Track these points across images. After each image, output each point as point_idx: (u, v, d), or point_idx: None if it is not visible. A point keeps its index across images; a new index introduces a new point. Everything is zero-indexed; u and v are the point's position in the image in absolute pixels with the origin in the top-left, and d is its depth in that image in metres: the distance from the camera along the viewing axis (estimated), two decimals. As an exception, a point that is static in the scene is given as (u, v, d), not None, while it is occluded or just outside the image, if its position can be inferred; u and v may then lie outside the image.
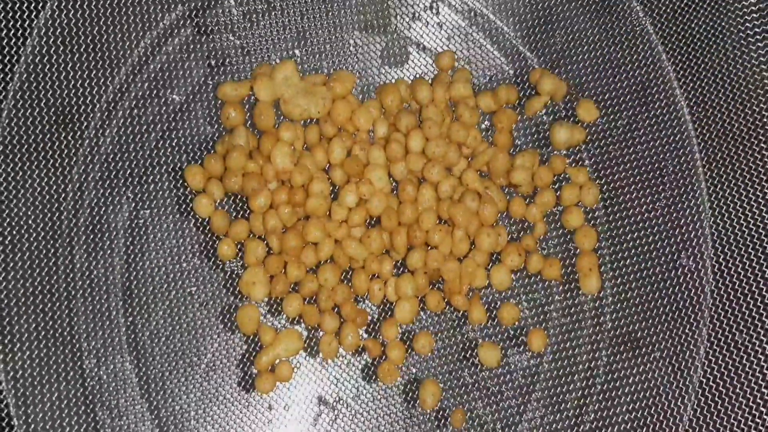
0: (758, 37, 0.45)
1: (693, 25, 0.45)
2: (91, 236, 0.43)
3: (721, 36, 0.45)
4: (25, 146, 0.41)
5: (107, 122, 0.43)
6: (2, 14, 0.42)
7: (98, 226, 0.43)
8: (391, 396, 0.43)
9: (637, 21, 0.46)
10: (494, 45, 0.47)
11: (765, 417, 0.41)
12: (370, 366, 0.43)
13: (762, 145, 0.44)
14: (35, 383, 0.41)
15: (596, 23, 0.46)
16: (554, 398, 0.43)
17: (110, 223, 0.43)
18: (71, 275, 0.42)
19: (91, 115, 0.43)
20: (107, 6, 0.43)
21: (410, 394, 0.43)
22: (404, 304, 0.43)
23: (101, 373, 0.42)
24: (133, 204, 0.43)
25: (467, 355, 0.44)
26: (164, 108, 0.44)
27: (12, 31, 0.42)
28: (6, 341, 0.40)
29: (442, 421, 0.43)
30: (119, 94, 0.44)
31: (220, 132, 0.45)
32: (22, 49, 0.42)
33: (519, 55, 0.47)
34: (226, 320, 0.43)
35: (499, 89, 0.45)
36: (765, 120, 0.44)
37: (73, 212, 0.42)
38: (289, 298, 0.43)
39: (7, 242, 0.41)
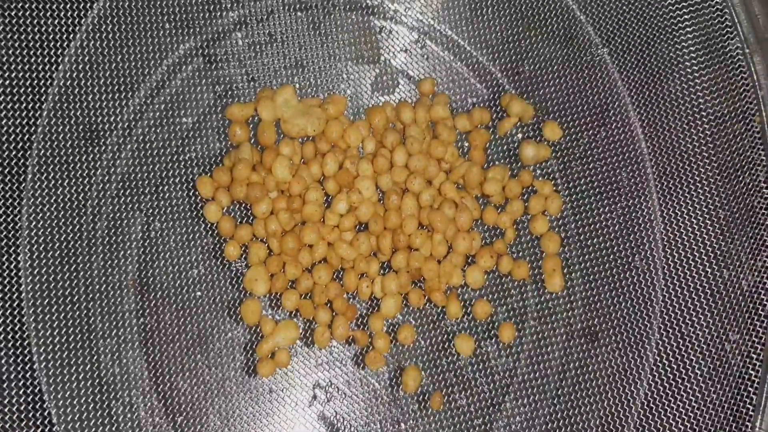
0: (700, 66, 0.48)
1: (645, 56, 0.48)
2: (109, 240, 0.45)
3: (669, 65, 0.48)
4: (56, 159, 0.44)
5: (126, 139, 0.46)
6: (39, 45, 0.44)
7: (116, 231, 0.45)
8: (377, 380, 0.45)
9: (596, 52, 0.49)
10: (471, 73, 0.49)
11: (707, 397, 0.44)
12: (359, 354, 0.45)
13: (705, 160, 0.47)
14: (61, 380, 0.43)
15: (560, 54, 0.49)
16: (521, 384, 0.45)
17: (127, 227, 0.45)
18: (90, 277, 0.44)
19: (113, 133, 0.45)
20: (128, 38, 0.46)
21: (394, 379, 0.45)
22: (389, 300, 0.45)
23: (116, 368, 0.43)
24: (149, 211, 0.45)
25: (445, 346, 0.46)
26: (177, 128, 0.46)
27: (47, 59, 0.44)
28: (36, 341, 0.42)
29: (423, 403, 0.45)
30: (137, 115, 0.46)
31: (228, 147, 0.46)
32: (55, 74, 0.45)
33: (493, 81, 0.49)
34: (231, 313, 0.45)
35: (474, 111, 0.47)
36: (708, 138, 0.47)
37: (92, 218, 0.44)
38: (288, 294, 0.44)
39: (35, 247, 0.43)
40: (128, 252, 0.45)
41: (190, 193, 0.46)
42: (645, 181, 0.48)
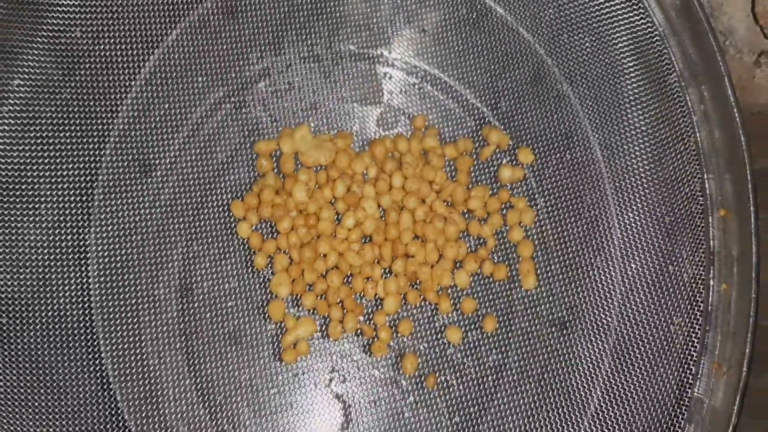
0: (646, 97, 0.50)
1: (601, 91, 0.51)
2: (158, 255, 0.47)
3: (621, 97, 0.51)
4: (117, 188, 0.47)
5: (172, 171, 0.48)
6: (103, 95, 0.47)
7: (163, 247, 0.47)
8: (382, 365, 0.47)
9: (561, 88, 0.51)
10: (459, 108, 0.51)
11: (656, 369, 0.47)
12: (366, 344, 0.47)
13: (652, 176, 0.50)
14: (123, 372, 0.46)
15: (531, 90, 0.51)
16: (502, 366, 0.48)
17: (172, 243, 0.47)
18: (142, 286, 0.47)
19: (161, 166, 0.48)
20: (172, 88, 0.48)
21: (396, 364, 0.47)
22: (390, 299, 0.47)
23: (159, 369, 0.46)
24: (191, 229, 0.48)
25: (438, 336, 0.48)
26: (213, 161, 0.49)
27: (110, 107, 0.48)
28: (104, 340, 0.46)
29: (420, 383, 0.47)
30: (181, 151, 0.48)
31: (256, 176, 0.49)
32: (115, 119, 0.48)
33: (478, 114, 0.51)
34: (260, 311, 0.47)
35: (459, 141, 0.50)
36: (653, 157, 0.50)
37: (144, 236, 0.47)
38: (306, 295, 0.47)
39: (101, 261, 0.46)
40: (173, 264, 0.47)
41: (225, 215, 0.48)
42: (604, 195, 0.50)
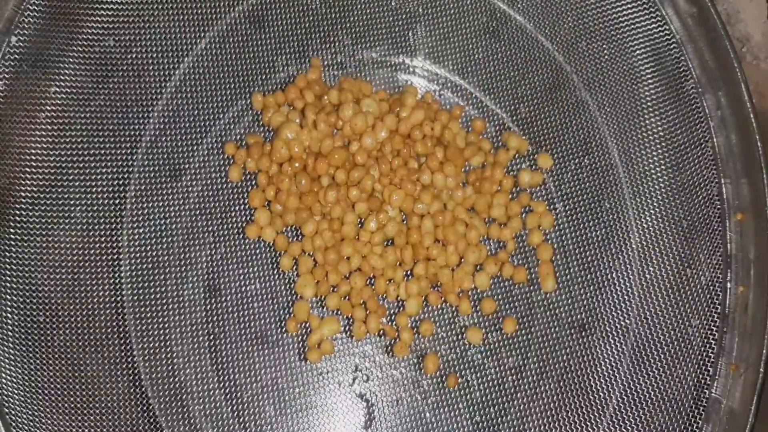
0: (663, 103, 0.51)
1: (619, 97, 0.51)
2: (184, 257, 0.48)
3: (638, 103, 0.51)
4: (147, 192, 0.48)
5: (199, 176, 0.49)
6: (135, 105, 0.49)
7: (190, 250, 0.48)
8: (404, 365, 0.48)
9: (580, 95, 0.52)
10: (480, 114, 0.52)
11: (675, 370, 0.47)
12: (389, 344, 0.48)
13: (670, 180, 0.50)
14: (154, 372, 0.46)
15: (551, 97, 0.52)
16: (522, 366, 0.48)
17: (200, 246, 0.48)
18: (169, 288, 0.47)
19: (188, 171, 0.49)
20: (201, 95, 0.49)
21: (417, 364, 0.47)
22: (412, 301, 0.47)
23: (186, 369, 0.47)
24: (217, 232, 0.48)
25: (458, 336, 0.48)
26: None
27: (141, 115, 0.49)
28: (136, 340, 0.47)
29: (441, 383, 0.47)
30: (207, 157, 0.49)
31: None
32: (146, 127, 0.49)
33: (498, 120, 0.52)
34: (286, 312, 0.48)
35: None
36: (671, 162, 0.50)
37: (173, 239, 0.48)
38: (331, 296, 0.47)
39: (132, 263, 0.47)
40: (201, 266, 0.48)
41: (252, 217, 0.48)
42: (622, 199, 0.50)
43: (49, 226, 0.47)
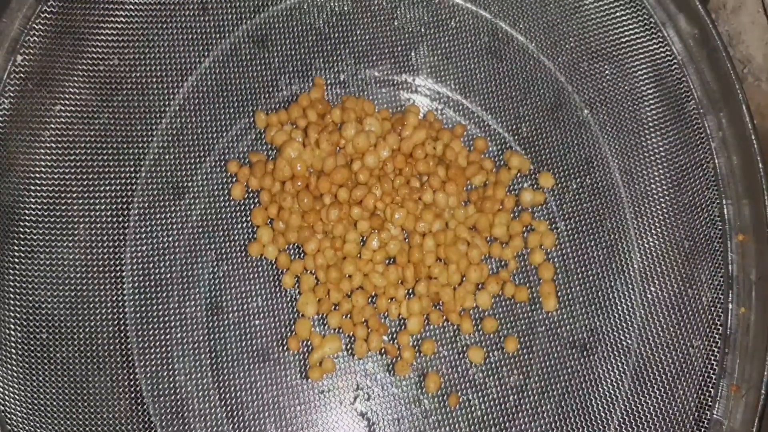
0: (665, 123, 0.51)
1: (621, 117, 0.52)
2: (186, 275, 0.48)
3: (640, 123, 0.51)
4: (150, 210, 0.48)
5: (201, 194, 0.49)
6: (137, 125, 0.49)
7: (192, 267, 0.48)
8: (405, 384, 0.48)
9: (581, 114, 0.52)
10: (481, 133, 0.52)
11: (677, 390, 0.47)
12: (390, 363, 0.48)
13: (671, 200, 0.50)
14: (157, 387, 0.46)
15: (552, 116, 0.52)
16: (523, 386, 0.48)
17: (201, 264, 0.48)
18: (172, 304, 0.47)
19: (191, 190, 0.49)
20: (204, 114, 0.50)
21: (419, 383, 0.47)
22: (414, 319, 0.48)
23: (188, 386, 0.47)
24: (220, 250, 0.48)
25: (460, 355, 0.48)
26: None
27: (144, 134, 0.49)
28: (137, 355, 0.47)
29: (442, 402, 0.47)
30: (209, 176, 0.49)
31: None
32: (149, 146, 0.49)
33: (500, 139, 0.52)
34: (288, 330, 0.48)
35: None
36: (673, 183, 0.50)
37: (175, 255, 0.48)
38: (332, 314, 0.48)
39: (135, 278, 0.47)
40: (203, 283, 0.48)
41: (254, 235, 0.49)
42: (624, 219, 0.50)
43: (53, 244, 0.47)
